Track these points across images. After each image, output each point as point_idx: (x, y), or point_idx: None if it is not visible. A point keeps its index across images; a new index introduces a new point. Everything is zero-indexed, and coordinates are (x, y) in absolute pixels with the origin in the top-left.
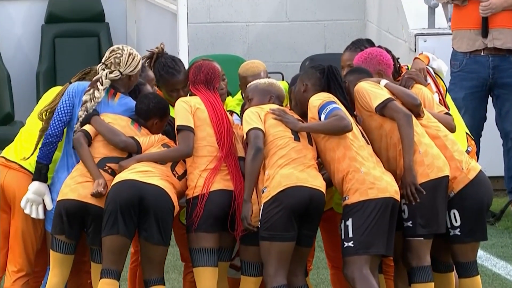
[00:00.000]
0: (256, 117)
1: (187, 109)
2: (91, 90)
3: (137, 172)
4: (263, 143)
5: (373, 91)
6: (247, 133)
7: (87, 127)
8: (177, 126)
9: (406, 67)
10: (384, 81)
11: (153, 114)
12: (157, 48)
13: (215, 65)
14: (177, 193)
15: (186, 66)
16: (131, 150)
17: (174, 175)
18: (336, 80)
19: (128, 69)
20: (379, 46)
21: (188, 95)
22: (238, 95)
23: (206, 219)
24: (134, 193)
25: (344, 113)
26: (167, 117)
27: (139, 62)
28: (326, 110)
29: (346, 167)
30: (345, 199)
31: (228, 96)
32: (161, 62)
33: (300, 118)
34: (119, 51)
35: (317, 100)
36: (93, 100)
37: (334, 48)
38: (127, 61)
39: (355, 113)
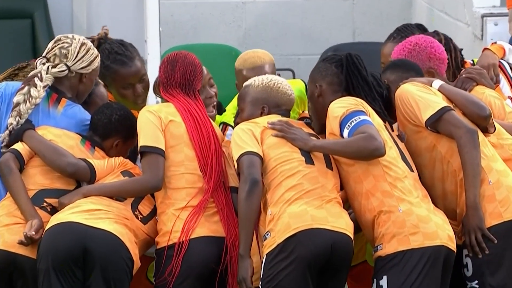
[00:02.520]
0: (248, 136)
1: (154, 123)
2: (26, 88)
3: (81, 211)
4: (261, 171)
5: (422, 97)
6: (237, 160)
7: (18, 146)
8: (141, 147)
9: (471, 62)
10: (438, 82)
11: (115, 131)
12: (98, 34)
13: (196, 60)
14: (141, 241)
15: (157, 60)
16: (82, 178)
17: (136, 217)
18: (359, 74)
19: (79, 64)
20: (435, 32)
21: (160, 101)
22: (234, 101)
23: (184, 278)
24: (76, 241)
25: (377, 128)
26: (132, 139)
27: (95, 58)
28: (351, 123)
29: (378, 205)
30: (377, 249)
31: (220, 110)
32: (105, 49)
33: (313, 133)
34: (67, 40)
35: (339, 108)
36: (29, 102)
37: (366, 35)
38: (77, 53)
39: (396, 126)
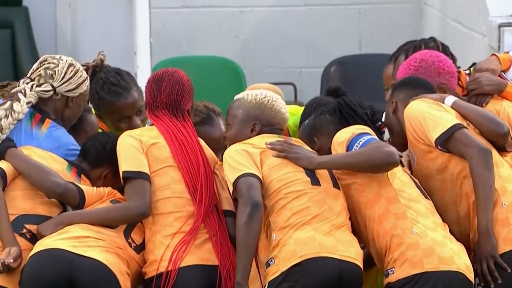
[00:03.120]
0: (244, 157)
1: (135, 146)
2: (8, 103)
3: (69, 238)
4: (262, 194)
5: (432, 115)
6: (234, 184)
7: (2, 165)
8: (124, 173)
9: (468, 71)
10: (451, 99)
11: (107, 160)
12: (94, 61)
13: (184, 78)
14: (134, 273)
15: (148, 74)
16: (71, 201)
17: (130, 245)
18: (356, 115)
19: (66, 86)
20: (431, 39)
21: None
22: None
23: None
24: (62, 270)
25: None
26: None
27: (84, 81)
28: (359, 143)
29: (391, 228)
30: (387, 273)
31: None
32: (100, 78)
33: (314, 151)
34: (54, 61)
35: (343, 133)
36: (11, 116)
37: (374, 47)
38: (64, 74)
39: (409, 149)
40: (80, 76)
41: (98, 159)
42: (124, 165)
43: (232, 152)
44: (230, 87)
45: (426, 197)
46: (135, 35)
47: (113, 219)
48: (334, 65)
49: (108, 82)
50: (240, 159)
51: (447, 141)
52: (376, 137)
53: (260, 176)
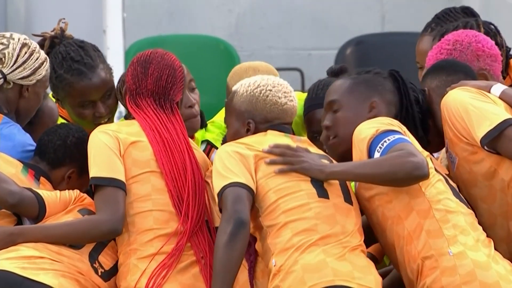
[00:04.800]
0: (235, 162)
1: (110, 146)
2: None
3: (19, 258)
4: (256, 207)
5: (477, 108)
6: (220, 194)
7: None
8: (93, 179)
9: None
10: (499, 87)
11: (70, 158)
12: (53, 30)
13: (176, 62)
14: None
15: (120, 56)
16: (27, 212)
17: (95, 270)
18: (407, 92)
19: (19, 72)
20: (484, 26)
21: (123, 118)
22: (221, 115)
23: None
24: None
25: (417, 149)
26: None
27: (42, 65)
28: (383, 143)
29: (422, 249)
30: None
31: (201, 122)
32: (59, 53)
33: (324, 154)
34: (3, 41)
35: (367, 128)
36: None
37: (399, 24)
38: (16, 57)
39: (446, 148)
40: (37, 59)
41: (58, 157)
42: (94, 169)
43: (223, 154)
44: (223, 74)
45: (467, 207)
46: (104, 8)
47: (77, 236)
48: (351, 46)
49: (68, 58)
50: (230, 164)
51: (496, 140)
52: (406, 136)
53: (252, 186)
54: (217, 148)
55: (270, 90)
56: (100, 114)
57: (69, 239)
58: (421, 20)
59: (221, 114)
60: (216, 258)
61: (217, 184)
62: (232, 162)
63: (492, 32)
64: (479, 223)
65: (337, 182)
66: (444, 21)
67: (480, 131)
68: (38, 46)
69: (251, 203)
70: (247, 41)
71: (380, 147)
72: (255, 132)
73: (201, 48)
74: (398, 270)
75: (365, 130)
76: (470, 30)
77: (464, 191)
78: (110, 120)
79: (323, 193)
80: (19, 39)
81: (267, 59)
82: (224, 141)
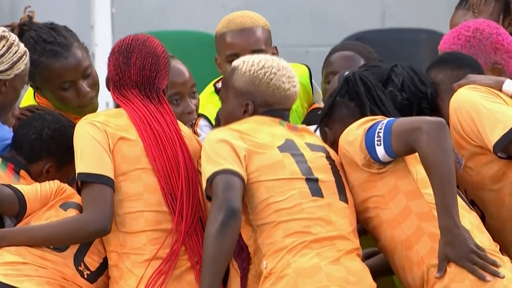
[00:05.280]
0: (226, 149)
1: (98, 140)
2: None
3: (1, 264)
4: (242, 201)
5: (489, 109)
6: (209, 180)
7: None
8: (80, 175)
9: None
10: (511, 84)
11: (46, 151)
12: (21, 19)
13: (160, 48)
14: None
15: (108, 53)
16: (7, 211)
17: (81, 273)
18: (377, 96)
19: None
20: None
21: (113, 106)
22: (210, 87)
23: None
24: None
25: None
26: (71, 165)
27: (21, 59)
28: (378, 134)
29: (427, 254)
30: None
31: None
32: (30, 38)
33: (323, 144)
34: None
35: (358, 125)
36: None
37: (400, 19)
38: None
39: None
40: (16, 52)
41: (34, 152)
42: (81, 164)
43: (213, 139)
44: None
45: (471, 209)
46: (92, 3)
47: (63, 237)
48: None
49: (41, 41)
50: (221, 150)
51: (510, 145)
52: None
53: (244, 175)
54: (203, 115)
55: (275, 74)
56: (83, 94)
57: (54, 241)
58: (423, 16)
59: (209, 87)
60: (205, 248)
61: (207, 169)
62: (223, 149)
63: None
64: (487, 227)
65: (332, 179)
66: None
67: (493, 136)
68: (17, 39)
69: (243, 193)
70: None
71: (379, 140)
72: (252, 115)
73: (193, 45)
74: (398, 277)
75: (350, 134)
76: (492, 21)
77: (471, 193)
78: (95, 99)
79: (317, 192)
80: None
81: None
82: (217, 118)
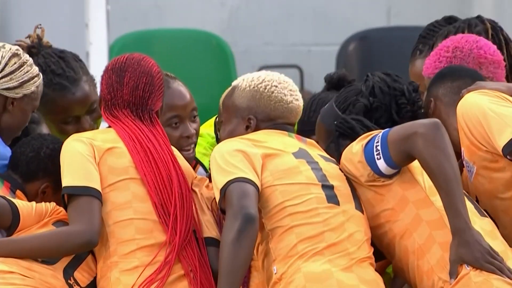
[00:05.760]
0: (238, 158)
1: (84, 153)
2: None
3: None
4: (258, 209)
5: (497, 114)
6: (223, 190)
7: None
8: (66, 188)
9: None
10: None
11: (43, 171)
12: (29, 36)
13: (155, 68)
14: None
15: (104, 53)
16: (1, 221)
17: (70, 286)
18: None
19: (5, 82)
20: (478, 19)
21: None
22: (209, 126)
23: None
24: None
25: (415, 170)
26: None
27: (32, 80)
28: (377, 147)
29: (437, 263)
30: None
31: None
32: (38, 65)
33: (326, 155)
34: None
35: (355, 143)
36: None
37: (406, 17)
38: (4, 66)
39: (462, 157)
40: (27, 72)
41: (31, 171)
42: (67, 178)
43: (224, 150)
44: (215, 72)
45: (483, 214)
46: (86, 1)
47: (49, 249)
48: (354, 41)
49: (49, 71)
50: (232, 159)
51: None
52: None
53: (258, 183)
54: (203, 165)
55: (276, 86)
56: (84, 130)
57: (40, 253)
58: (430, 13)
59: (209, 125)
60: (222, 258)
61: (219, 180)
62: (235, 159)
63: (496, 31)
64: (502, 235)
65: (348, 187)
66: (430, 38)
67: (501, 140)
68: (31, 60)
69: (257, 200)
70: (241, 36)
71: (378, 154)
72: (254, 131)
73: (191, 44)
74: (408, 282)
75: (355, 148)
76: (470, 35)
77: (484, 202)
78: None
79: (333, 199)
80: (10, 49)
81: (263, 55)
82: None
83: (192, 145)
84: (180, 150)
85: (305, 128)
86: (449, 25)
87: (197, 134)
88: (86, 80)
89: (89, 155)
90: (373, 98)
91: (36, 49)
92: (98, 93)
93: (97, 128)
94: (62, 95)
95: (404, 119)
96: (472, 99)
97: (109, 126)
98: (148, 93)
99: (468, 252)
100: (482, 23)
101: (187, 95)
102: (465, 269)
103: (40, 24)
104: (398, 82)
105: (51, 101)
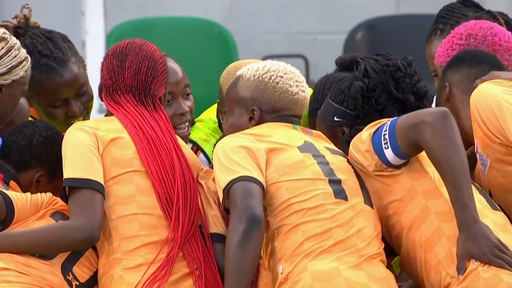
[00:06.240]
0: (242, 155)
1: (87, 144)
2: None
3: None
4: (263, 207)
5: (510, 104)
6: (226, 189)
7: None
8: (67, 180)
9: None
10: None
11: (36, 159)
12: (16, 16)
13: (157, 53)
14: None
15: (101, 41)
16: None
17: (69, 283)
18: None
19: None
20: (489, 14)
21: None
22: (211, 112)
23: None
24: None
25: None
26: (61, 170)
27: (20, 64)
28: (384, 137)
29: (445, 257)
30: None
31: (192, 124)
32: (25, 46)
33: (335, 148)
34: None
35: (364, 132)
36: None
37: (415, 4)
38: None
39: (475, 149)
40: (15, 56)
41: (23, 160)
42: (68, 169)
43: (227, 147)
44: (217, 61)
45: (495, 209)
46: None
47: (47, 244)
48: (361, 30)
49: (36, 52)
50: (236, 157)
51: None
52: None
53: (263, 182)
54: (204, 151)
55: (281, 77)
56: (73, 113)
57: (39, 248)
58: (439, 1)
59: (211, 110)
60: (227, 261)
61: (222, 178)
62: (239, 156)
63: (509, 22)
64: None
65: (356, 181)
66: (451, 18)
67: None
68: (19, 43)
69: (263, 199)
70: (244, 24)
71: (386, 143)
72: (259, 123)
73: (192, 32)
74: (414, 280)
75: (364, 135)
76: (483, 21)
77: (497, 196)
78: (86, 118)
79: (340, 194)
80: None
81: (267, 45)
82: (220, 136)
83: (187, 123)
84: (174, 129)
85: (318, 106)
86: (465, 7)
87: (191, 112)
88: (75, 62)
89: (93, 146)
90: (368, 78)
91: (23, 29)
92: (99, 80)
93: (88, 113)
94: (49, 77)
95: (406, 93)
96: (486, 89)
97: (107, 114)
98: (151, 78)
99: (475, 247)
100: (494, 18)
101: (179, 72)
102: (473, 264)
103: (27, 4)
104: (390, 59)
105: (38, 83)
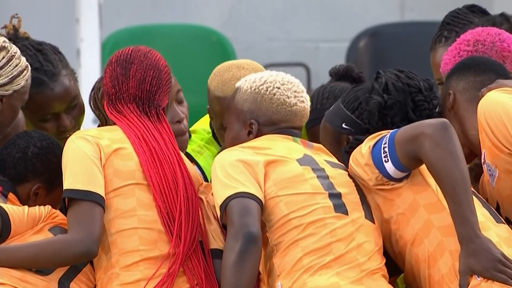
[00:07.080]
0: (240, 170)
1: (89, 154)
2: None
3: None
4: (260, 224)
5: None
6: (223, 206)
7: None
8: (66, 192)
9: None
10: None
11: (32, 172)
12: (5, 26)
13: (162, 62)
14: None
15: (96, 50)
16: None
17: None
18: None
19: None
20: (502, 17)
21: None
22: (204, 122)
23: None
24: None
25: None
26: (61, 186)
27: (21, 74)
28: (384, 149)
29: (448, 272)
30: None
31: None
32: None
33: (337, 162)
34: None
35: (363, 145)
36: None
37: (420, 11)
38: None
39: (482, 159)
40: (16, 66)
41: (19, 173)
42: (69, 180)
43: (225, 161)
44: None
45: (500, 222)
46: None
47: (44, 259)
48: (365, 37)
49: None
50: (233, 172)
51: None
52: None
53: (261, 197)
54: (197, 163)
55: (278, 88)
56: (64, 128)
57: (35, 263)
58: (445, 7)
59: (204, 121)
60: (224, 281)
61: (219, 194)
62: (236, 171)
63: None
64: None
65: (356, 195)
66: (456, 25)
67: None
68: (19, 52)
69: (260, 216)
70: (243, 31)
71: (385, 156)
72: (257, 136)
73: (189, 40)
74: None
75: (363, 149)
76: (491, 27)
77: (506, 209)
78: (77, 130)
79: (340, 208)
80: None
81: (267, 52)
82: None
83: (185, 131)
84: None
85: (318, 116)
86: (472, 13)
87: (186, 117)
88: (66, 74)
89: (95, 156)
90: (387, 95)
91: (12, 41)
92: (103, 87)
93: (79, 127)
94: (40, 91)
95: (421, 117)
96: (494, 98)
97: (100, 125)
98: (156, 88)
99: (476, 262)
100: (507, 21)
101: (172, 77)
102: (476, 280)
103: (17, 14)
104: (413, 79)
105: (28, 98)
